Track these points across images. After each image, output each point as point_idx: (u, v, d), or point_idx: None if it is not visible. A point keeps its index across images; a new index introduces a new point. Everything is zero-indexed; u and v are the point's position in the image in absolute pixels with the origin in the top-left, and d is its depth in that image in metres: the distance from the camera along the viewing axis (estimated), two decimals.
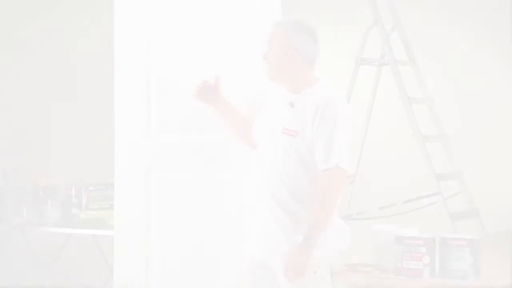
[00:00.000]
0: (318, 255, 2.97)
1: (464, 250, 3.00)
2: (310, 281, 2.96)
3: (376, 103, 5.13)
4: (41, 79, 6.27)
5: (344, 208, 5.06)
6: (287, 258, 2.93)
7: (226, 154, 3.84)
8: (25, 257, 5.53)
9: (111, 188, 4.73)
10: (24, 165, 6.02)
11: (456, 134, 5.05)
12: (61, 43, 6.25)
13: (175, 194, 3.93)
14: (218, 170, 3.85)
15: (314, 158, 3.00)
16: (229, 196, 3.77)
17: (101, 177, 5.05)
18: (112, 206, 4.69)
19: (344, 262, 3.26)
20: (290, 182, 3.03)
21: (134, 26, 3.93)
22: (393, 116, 5.33)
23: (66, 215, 5.02)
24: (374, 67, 5.12)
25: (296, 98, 3.07)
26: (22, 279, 5.70)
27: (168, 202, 3.94)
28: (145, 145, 3.94)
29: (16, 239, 5.48)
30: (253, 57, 3.80)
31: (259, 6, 3.85)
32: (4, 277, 5.60)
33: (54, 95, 6.27)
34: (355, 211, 4.98)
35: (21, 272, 5.70)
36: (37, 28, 6.24)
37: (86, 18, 6.19)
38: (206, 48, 3.92)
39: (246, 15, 3.87)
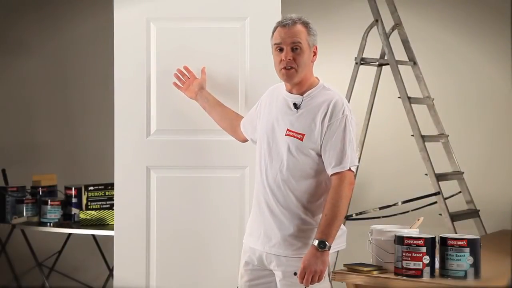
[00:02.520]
0: None
1: (464, 250, 3.00)
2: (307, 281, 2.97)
3: (376, 103, 5.13)
4: (41, 80, 6.27)
5: None
6: (305, 263, 2.90)
7: (226, 154, 3.83)
8: (25, 257, 5.53)
9: (111, 188, 4.74)
10: (24, 165, 6.02)
11: (456, 134, 5.04)
12: (60, 44, 6.26)
13: (175, 194, 3.93)
14: (218, 170, 3.85)
15: (320, 159, 2.99)
16: (229, 195, 3.77)
17: (101, 177, 5.06)
18: (112, 206, 4.70)
19: (344, 262, 3.26)
20: (293, 183, 3.01)
21: (134, 25, 3.93)
22: (393, 116, 5.33)
23: (66, 215, 5.03)
24: (374, 67, 5.12)
25: (299, 99, 3.04)
26: (22, 279, 5.70)
27: (168, 202, 3.93)
28: (145, 145, 3.94)
29: (16, 239, 5.49)
30: (251, 57, 3.81)
31: (259, 5, 3.85)
32: (4, 277, 5.60)
33: (54, 95, 6.28)
34: (355, 211, 4.98)
35: (21, 272, 5.71)
36: (37, 30, 6.24)
37: (86, 18, 6.20)
38: (205, 48, 3.92)
39: (246, 14, 3.87)
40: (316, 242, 2.90)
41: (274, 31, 3.08)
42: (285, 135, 3.01)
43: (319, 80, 3.11)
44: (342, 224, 3.08)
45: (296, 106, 3.03)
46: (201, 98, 3.60)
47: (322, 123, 2.97)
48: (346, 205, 2.97)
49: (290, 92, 3.07)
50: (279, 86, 3.18)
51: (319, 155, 2.99)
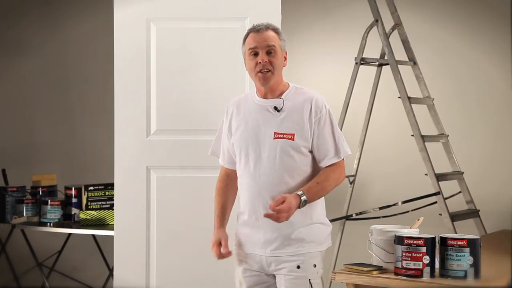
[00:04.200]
0: (317, 250, 3.09)
1: (464, 250, 3.00)
2: (310, 273, 3.06)
3: (376, 103, 5.13)
4: (41, 80, 6.27)
5: (344, 208, 5.07)
6: (290, 204, 2.94)
7: None
8: (25, 257, 5.54)
9: (111, 188, 4.74)
10: (24, 165, 6.02)
11: (456, 134, 5.04)
12: (60, 44, 6.25)
13: (175, 194, 3.93)
14: (218, 170, 3.85)
15: (311, 155, 3.08)
16: None
17: (101, 177, 5.06)
18: (112, 206, 4.70)
19: (344, 262, 3.27)
20: (290, 182, 3.05)
21: (134, 25, 3.93)
22: (393, 116, 5.33)
23: (66, 215, 5.03)
24: (374, 67, 5.12)
25: (279, 102, 3.10)
26: (22, 279, 5.71)
27: (168, 202, 3.94)
28: (145, 145, 3.94)
29: (16, 239, 5.49)
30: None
31: (259, 5, 3.85)
32: (4, 277, 5.60)
33: (54, 95, 6.28)
34: (355, 211, 4.98)
35: (21, 272, 5.71)
36: (37, 29, 6.24)
37: (86, 18, 6.20)
38: (205, 47, 3.92)
39: (246, 14, 3.87)
40: (302, 196, 2.97)
41: (245, 38, 3.16)
42: (274, 138, 3.06)
43: (288, 82, 3.19)
44: (328, 221, 3.19)
45: (277, 109, 3.09)
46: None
47: (309, 120, 3.07)
48: (333, 187, 3.09)
49: (265, 97, 3.13)
50: (244, 97, 3.24)
51: (310, 152, 3.08)
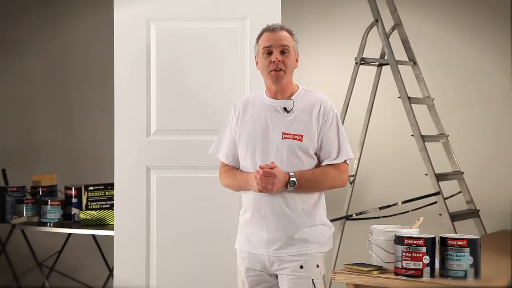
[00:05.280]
0: (320, 251, 3.10)
1: (464, 250, 3.00)
2: (313, 273, 3.07)
3: (376, 103, 5.13)
4: (41, 80, 6.27)
5: (344, 208, 5.06)
6: (276, 172, 2.98)
7: None
8: (25, 257, 5.54)
9: (111, 188, 4.74)
10: (24, 165, 6.02)
11: (456, 134, 5.04)
12: (60, 44, 6.25)
13: (175, 194, 3.93)
14: (218, 170, 3.85)
15: (316, 157, 3.10)
16: (229, 195, 3.77)
17: (101, 177, 5.06)
18: (112, 206, 4.71)
19: (344, 262, 3.27)
20: None
21: (134, 25, 3.93)
22: (393, 116, 5.33)
23: (66, 215, 5.03)
24: (374, 67, 5.12)
25: (289, 103, 3.12)
26: (22, 279, 5.70)
27: (168, 202, 3.94)
28: (145, 145, 3.94)
29: (16, 239, 5.49)
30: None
31: (259, 5, 3.85)
32: (4, 277, 5.60)
33: (54, 95, 6.28)
34: (355, 211, 4.98)
35: (21, 272, 5.71)
36: (37, 29, 6.24)
37: (86, 18, 6.20)
38: (205, 48, 3.92)
39: (246, 14, 3.87)
40: (292, 176, 3.01)
41: (259, 37, 3.17)
42: (282, 138, 3.07)
43: (298, 84, 3.21)
44: (330, 223, 3.19)
45: (286, 110, 3.10)
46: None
47: (317, 122, 3.09)
48: (329, 185, 3.11)
49: (274, 98, 3.14)
50: (252, 96, 3.24)
51: (316, 154, 3.10)
